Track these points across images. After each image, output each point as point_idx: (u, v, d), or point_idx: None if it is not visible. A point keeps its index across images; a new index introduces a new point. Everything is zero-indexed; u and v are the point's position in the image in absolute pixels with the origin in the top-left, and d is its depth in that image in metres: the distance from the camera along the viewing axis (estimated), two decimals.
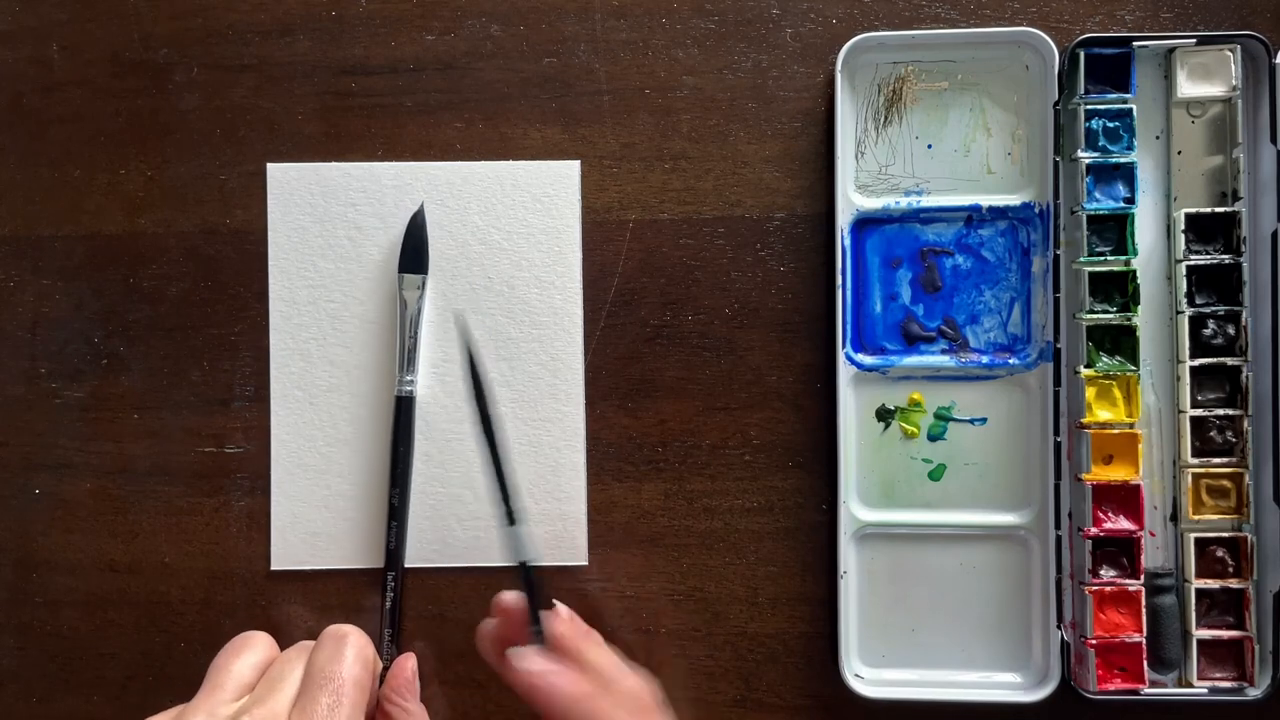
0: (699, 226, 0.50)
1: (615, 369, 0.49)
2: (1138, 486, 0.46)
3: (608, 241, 0.50)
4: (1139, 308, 0.46)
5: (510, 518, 0.43)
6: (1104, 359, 0.47)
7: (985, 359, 0.48)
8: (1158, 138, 0.48)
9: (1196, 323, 0.47)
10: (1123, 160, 0.47)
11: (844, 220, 0.48)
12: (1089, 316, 0.46)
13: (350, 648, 0.36)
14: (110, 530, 0.50)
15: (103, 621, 0.50)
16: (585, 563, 0.49)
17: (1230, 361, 0.46)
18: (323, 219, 0.50)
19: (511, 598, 0.44)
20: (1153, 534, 0.47)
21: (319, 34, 0.50)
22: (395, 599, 0.48)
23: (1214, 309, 0.47)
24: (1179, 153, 0.48)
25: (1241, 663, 0.46)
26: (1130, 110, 0.47)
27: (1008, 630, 0.48)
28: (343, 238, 0.50)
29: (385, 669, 0.47)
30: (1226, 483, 0.47)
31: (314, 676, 0.34)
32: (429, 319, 0.49)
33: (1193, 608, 0.46)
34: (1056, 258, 0.47)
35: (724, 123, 0.50)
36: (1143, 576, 0.46)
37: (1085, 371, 0.47)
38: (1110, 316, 0.46)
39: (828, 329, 0.49)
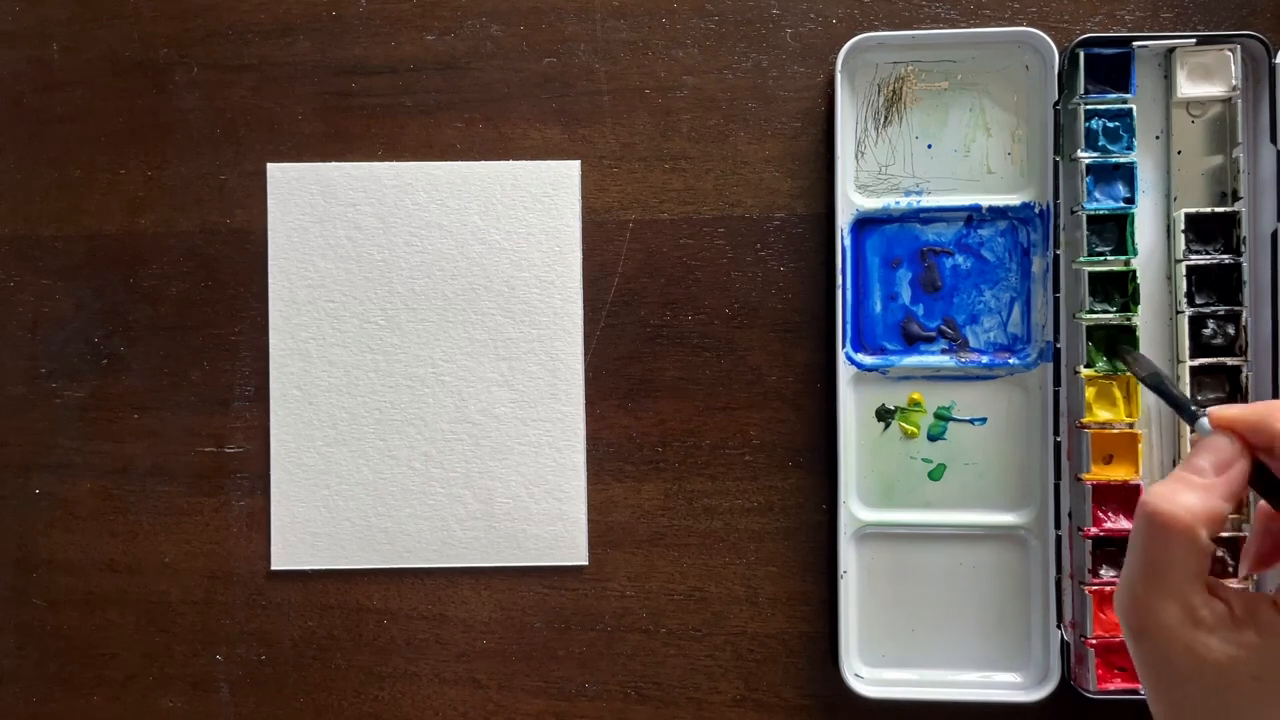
0: (699, 226, 0.50)
1: (615, 369, 0.49)
2: (1138, 486, 0.46)
3: (608, 241, 0.50)
4: (1139, 308, 0.46)
5: (1191, 416, 0.37)
6: (1104, 361, 0.47)
7: (985, 359, 0.48)
8: (1158, 138, 0.48)
9: (1196, 323, 0.47)
10: (1123, 160, 0.46)
11: (844, 220, 0.48)
12: (1089, 316, 0.46)
13: None
14: (110, 530, 0.50)
15: (103, 621, 0.50)
16: (585, 563, 0.49)
17: (1230, 361, 0.46)
18: (323, 219, 0.50)
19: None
20: None
21: (319, 34, 0.50)
22: None
23: (1214, 309, 0.47)
24: (1179, 153, 0.48)
25: None
26: (1130, 110, 0.46)
27: (1008, 630, 0.48)
28: (343, 238, 0.50)
29: None
30: None
31: None
32: (428, 320, 0.49)
33: None
34: (1056, 258, 0.47)
35: (724, 123, 0.50)
36: None
37: (1085, 371, 0.47)
38: (1110, 316, 0.46)
39: (828, 329, 0.49)
